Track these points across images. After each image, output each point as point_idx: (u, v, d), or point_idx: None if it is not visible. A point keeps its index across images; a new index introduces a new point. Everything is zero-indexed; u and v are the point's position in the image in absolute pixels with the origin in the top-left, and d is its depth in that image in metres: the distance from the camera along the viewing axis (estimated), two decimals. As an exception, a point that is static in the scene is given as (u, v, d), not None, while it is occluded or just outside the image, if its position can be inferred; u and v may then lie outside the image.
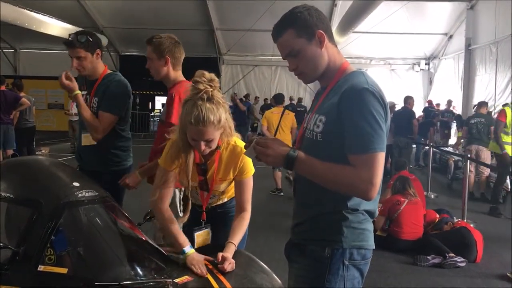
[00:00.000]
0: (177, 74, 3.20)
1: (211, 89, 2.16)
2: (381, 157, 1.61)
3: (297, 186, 1.87)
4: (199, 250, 2.36)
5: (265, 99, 17.51)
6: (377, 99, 1.62)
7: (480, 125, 8.63)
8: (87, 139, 3.25)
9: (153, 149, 3.09)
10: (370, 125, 1.59)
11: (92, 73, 3.28)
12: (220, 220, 2.62)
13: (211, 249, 2.36)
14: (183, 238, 2.27)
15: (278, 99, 8.59)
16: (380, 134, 1.61)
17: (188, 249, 2.24)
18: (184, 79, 3.20)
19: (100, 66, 3.30)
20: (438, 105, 15.24)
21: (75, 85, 3.18)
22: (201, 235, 2.50)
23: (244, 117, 15.43)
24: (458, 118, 12.95)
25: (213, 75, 2.21)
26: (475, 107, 9.91)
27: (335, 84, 1.74)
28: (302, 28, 1.71)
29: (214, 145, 2.27)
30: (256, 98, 18.03)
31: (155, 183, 2.38)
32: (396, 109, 10.55)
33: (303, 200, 1.83)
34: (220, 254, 2.23)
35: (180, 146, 2.30)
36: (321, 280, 1.71)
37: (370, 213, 1.77)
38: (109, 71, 3.33)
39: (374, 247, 1.78)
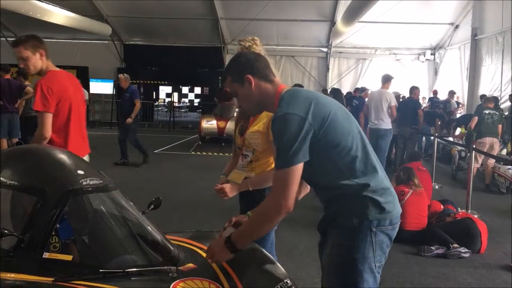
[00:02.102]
0: (49, 64, 3.55)
1: (253, 43, 2.66)
2: (290, 170, 1.90)
3: (315, 190, 2.17)
4: None
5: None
6: (293, 118, 1.90)
7: (495, 116, 8.59)
8: None
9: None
10: (284, 146, 1.90)
11: None
12: (252, 201, 2.62)
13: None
14: (226, 169, 3.05)
15: None
16: (292, 149, 1.88)
17: (222, 175, 3.02)
18: (55, 68, 3.59)
19: None
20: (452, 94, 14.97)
21: None
22: (236, 173, 2.92)
23: None
24: (461, 117, 12.85)
25: (254, 37, 2.73)
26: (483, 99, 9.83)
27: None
28: (235, 75, 2.09)
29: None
30: None
31: None
32: (401, 99, 10.50)
33: (324, 198, 2.14)
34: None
35: (240, 115, 3.01)
36: (352, 246, 1.97)
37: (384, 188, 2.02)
38: None
39: (399, 211, 2.06)
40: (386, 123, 8.51)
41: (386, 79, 8.74)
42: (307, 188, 2.35)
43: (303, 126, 1.90)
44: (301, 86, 17.01)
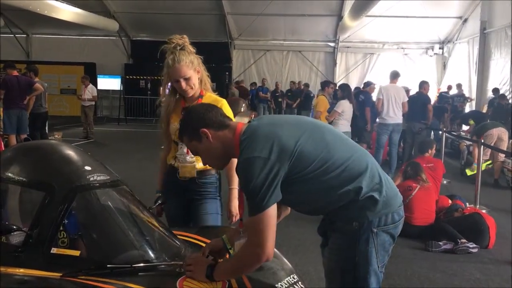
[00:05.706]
0: None
1: (183, 41, 2.69)
2: (261, 217, 1.81)
3: (313, 215, 2.13)
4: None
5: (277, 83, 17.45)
6: (256, 161, 1.81)
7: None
8: None
9: None
10: (252, 192, 1.81)
11: None
12: (197, 194, 2.84)
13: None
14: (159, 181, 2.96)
15: (322, 85, 9.57)
16: (261, 194, 1.80)
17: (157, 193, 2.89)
18: None
19: None
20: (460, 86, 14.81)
21: None
22: (186, 167, 2.79)
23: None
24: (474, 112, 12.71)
25: (183, 35, 2.74)
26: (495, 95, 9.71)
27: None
28: (190, 133, 2.02)
29: (193, 85, 2.71)
30: (299, 83, 17.53)
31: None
32: (410, 94, 10.43)
33: (323, 214, 2.11)
34: (232, 212, 2.83)
35: (169, 98, 2.81)
36: (353, 250, 1.93)
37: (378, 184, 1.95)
38: None
39: (400, 205, 2.00)
40: (401, 118, 8.65)
41: (396, 75, 8.93)
42: (287, 210, 2.25)
43: (267, 167, 1.80)
44: (307, 85, 16.88)
